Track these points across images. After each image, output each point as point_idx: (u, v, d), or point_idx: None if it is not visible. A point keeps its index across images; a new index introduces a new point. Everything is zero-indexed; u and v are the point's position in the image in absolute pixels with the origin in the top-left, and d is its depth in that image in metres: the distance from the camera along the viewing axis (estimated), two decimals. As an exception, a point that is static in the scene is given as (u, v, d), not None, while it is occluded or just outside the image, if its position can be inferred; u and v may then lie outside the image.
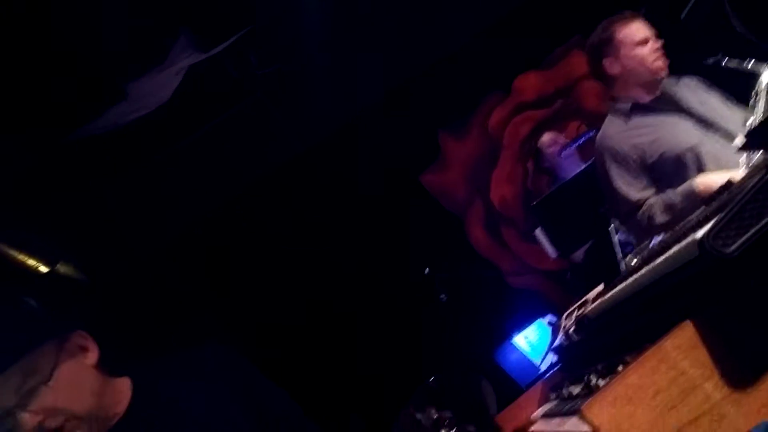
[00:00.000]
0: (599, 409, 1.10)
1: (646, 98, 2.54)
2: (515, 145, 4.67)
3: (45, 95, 3.15)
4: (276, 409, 1.66)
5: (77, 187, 3.70)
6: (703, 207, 1.41)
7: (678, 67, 2.54)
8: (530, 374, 3.90)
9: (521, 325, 4.23)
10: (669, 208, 2.40)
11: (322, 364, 3.87)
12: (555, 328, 3.94)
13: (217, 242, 4.16)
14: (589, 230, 2.79)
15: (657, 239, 2.99)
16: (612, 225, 2.39)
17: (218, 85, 3.88)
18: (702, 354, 1.11)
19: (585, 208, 2.65)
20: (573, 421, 1.58)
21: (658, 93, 2.54)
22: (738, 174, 2.12)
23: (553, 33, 4.66)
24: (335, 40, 3.96)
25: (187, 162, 4.02)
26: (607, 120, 2.63)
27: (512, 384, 3.97)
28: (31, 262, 3.41)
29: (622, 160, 2.51)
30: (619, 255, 2.15)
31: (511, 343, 4.15)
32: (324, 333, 4.05)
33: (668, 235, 1.67)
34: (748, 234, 1.00)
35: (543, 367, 3.87)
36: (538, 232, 2.86)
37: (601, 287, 1.91)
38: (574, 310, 1.97)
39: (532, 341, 4.17)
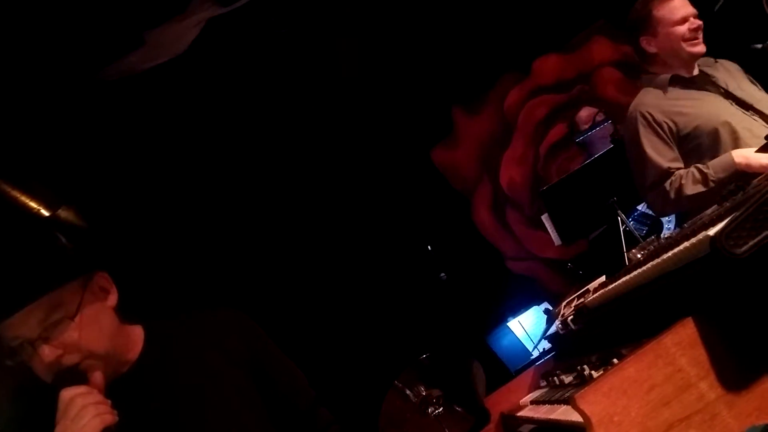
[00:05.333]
0: (593, 398, 1.09)
1: (687, 71, 2.52)
2: (529, 128, 4.62)
3: (65, 36, 3.13)
4: (282, 377, 1.69)
5: (89, 131, 3.67)
6: (716, 206, 1.38)
7: (715, 51, 2.52)
8: (521, 359, 3.90)
9: (516, 310, 4.22)
10: (702, 180, 2.35)
11: (316, 334, 3.88)
12: (551, 316, 3.95)
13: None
14: (596, 220, 2.77)
15: (665, 233, 2.97)
16: (620, 217, 2.37)
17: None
18: (700, 352, 1.11)
19: (594, 198, 2.62)
20: (563, 410, 1.58)
21: (696, 72, 2.52)
22: None
23: (576, 16, 4.57)
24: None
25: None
26: (642, 90, 2.60)
27: (502, 368, 3.99)
28: (33, 204, 3.40)
29: (655, 128, 2.47)
30: (624, 247, 2.13)
31: (505, 327, 4.15)
32: (321, 304, 4.04)
33: (677, 231, 1.65)
34: (760, 237, 0.98)
35: (534, 354, 3.88)
36: (545, 218, 2.84)
37: (603, 278, 1.90)
38: (573, 299, 1.96)
39: (526, 327, 4.17)
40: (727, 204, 1.22)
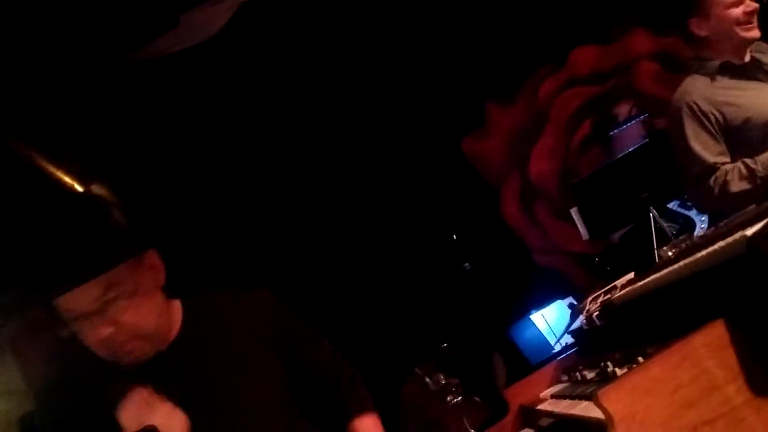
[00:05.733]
0: (616, 396, 1.08)
1: (739, 57, 2.37)
2: (562, 120, 4.54)
3: (103, 14, 3.16)
4: (313, 356, 1.74)
5: (121, 109, 3.71)
6: (754, 206, 1.35)
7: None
8: (543, 353, 3.88)
9: (540, 303, 4.19)
10: (749, 176, 2.25)
11: (339, 318, 3.90)
12: (575, 311, 3.90)
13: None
14: (627, 216, 2.71)
15: (698, 231, 2.88)
16: (651, 213, 2.30)
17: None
18: (729, 355, 1.08)
19: (625, 193, 2.57)
20: (584, 405, 1.56)
21: (747, 59, 2.38)
22: None
23: (614, 8, 4.46)
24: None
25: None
26: (689, 78, 2.46)
27: (522, 360, 3.96)
28: (67, 179, 3.46)
29: (701, 119, 2.35)
30: (656, 244, 2.08)
31: (528, 320, 4.12)
32: (347, 291, 4.05)
33: (711, 230, 1.61)
34: (801, 238, 0.94)
35: (556, 348, 3.85)
36: (574, 212, 2.79)
37: (631, 275, 1.86)
38: (600, 295, 1.93)
39: (549, 321, 4.14)
40: (767, 203, 1.18)
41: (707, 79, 2.39)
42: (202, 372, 1.57)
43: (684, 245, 1.75)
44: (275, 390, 1.62)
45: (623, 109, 3.89)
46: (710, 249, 1.12)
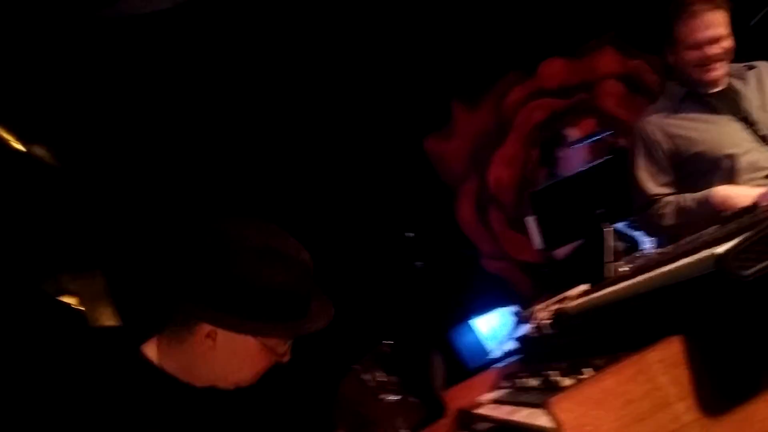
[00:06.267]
0: (567, 405, 1.05)
1: (704, 90, 2.38)
2: (525, 130, 4.57)
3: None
4: None
5: (80, 70, 3.53)
6: (717, 226, 1.35)
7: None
8: (480, 358, 3.88)
9: (483, 309, 4.20)
10: (681, 212, 2.31)
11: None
12: (519, 319, 3.92)
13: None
14: (581, 229, 2.73)
15: (647, 247, 2.94)
16: (605, 228, 2.32)
17: None
18: (683, 373, 1.07)
19: (582, 207, 2.58)
20: (527, 412, 1.54)
21: (721, 86, 2.37)
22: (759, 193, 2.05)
23: (590, 23, 4.52)
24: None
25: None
26: (659, 100, 2.49)
27: (459, 364, 3.96)
28: (7, 136, 3.28)
29: (651, 148, 2.39)
30: (608, 259, 2.09)
31: (469, 325, 4.13)
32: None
33: (672, 247, 1.61)
34: (770, 261, 0.93)
35: (495, 355, 3.86)
36: (530, 221, 2.79)
37: (585, 287, 1.86)
38: (551, 304, 1.92)
39: (490, 327, 4.15)
40: (732, 225, 1.18)
41: (670, 107, 2.42)
42: None
43: (641, 261, 1.75)
44: None
45: (574, 132, 3.93)
46: (676, 264, 1.10)
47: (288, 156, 4.19)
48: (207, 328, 1.29)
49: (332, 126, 4.25)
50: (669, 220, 2.34)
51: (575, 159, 3.81)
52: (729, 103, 2.34)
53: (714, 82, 2.34)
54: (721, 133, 2.31)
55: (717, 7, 2.25)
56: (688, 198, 2.30)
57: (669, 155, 2.38)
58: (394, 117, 4.31)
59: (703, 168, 2.31)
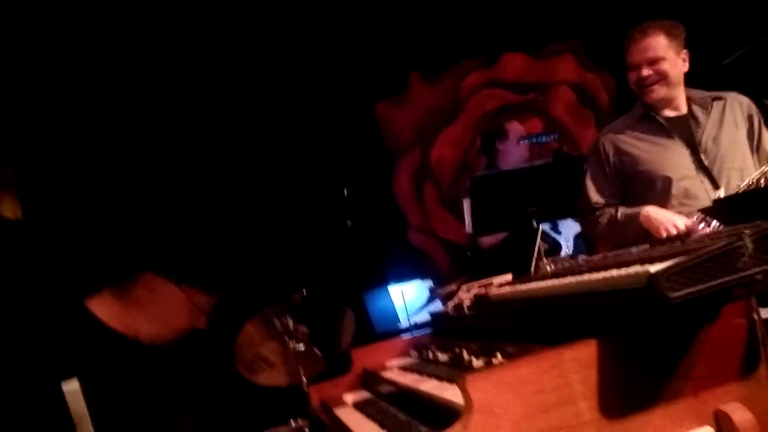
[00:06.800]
0: (481, 385, 1.10)
1: (664, 112, 2.51)
2: (475, 115, 4.64)
3: None
4: None
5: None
6: (647, 246, 1.43)
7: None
8: (389, 325, 3.97)
9: (401, 278, 4.28)
10: (612, 223, 2.48)
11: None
12: (433, 295, 4.02)
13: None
14: (511, 222, 2.80)
15: (563, 253, 3.09)
16: (539, 226, 2.42)
17: None
18: (592, 374, 1.14)
19: (517, 201, 2.65)
20: (433, 384, 1.60)
21: (681, 111, 2.51)
22: (687, 222, 2.21)
23: (557, 26, 4.61)
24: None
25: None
26: (622, 117, 2.63)
27: (368, 327, 4.04)
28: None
29: (602, 160, 2.55)
30: (535, 256, 2.18)
31: (386, 290, 4.20)
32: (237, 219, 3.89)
33: (600, 257, 1.71)
34: (696, 288, 1.00)
35: (403, 325, 3.96)
36: (465, 204, 2.84)
37: (509, 277, 1.93)
38: (473, 286, 1.99)
39: (405, 297, 4.24)
40: (663, 247, 1.26)
41: (628, 123, 2.57)
42: None
43: (565, 263, 1.84)
44: None
45: (515, 127, 4.02)
46: (607, 274, 1.16)
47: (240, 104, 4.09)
48: (150, 278, 1.54)
49: (288, 79, 4.18)
50: (601, 229, 2.50)
51: (515, 154, 3.89)
52: (682, 129, 2.47)
53: (656, 103, 2.48)
54: (664, 157, 2.45)
55: (654, 32, 2.41)
56: (621, 212, 2.47)
57: (615, 169, 2.54)
58: (350, 78, 4.27)
59: (642, 187, 2.47)
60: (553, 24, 4.60)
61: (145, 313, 1.56)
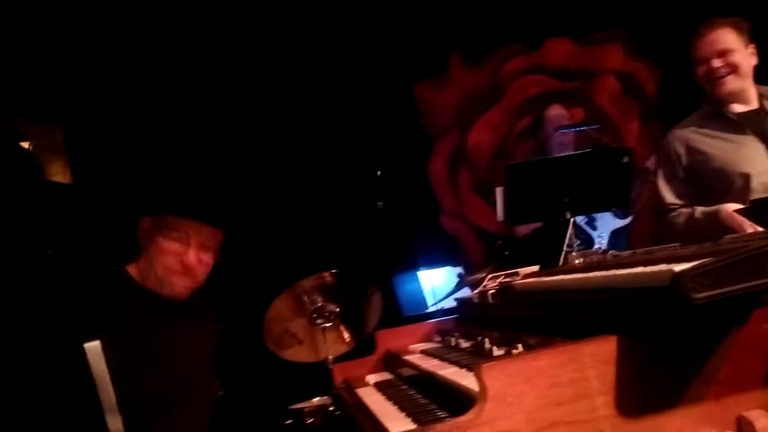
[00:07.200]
0: (497, 374, 1.10)
1: (734, 107, 2.47)
2: (516, 101, 4.57)
3: None
4: None
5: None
6: (678, 244, 1.40)
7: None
8: (417, 309, 3.99)
9: (431, 263, 4.29)
10: (691, 222, 2.43)
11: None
12: (462, 282, 4.01)
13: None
14: (544, 213, 2.78)
15: (596, 247, 3.03)
16: (571, 217, 2.40)
17: None
18: (610, 371, 1.13)
19: (552, 192, 2.62)
20: (453, 370, 1.61)
21: (752, 106, 2.47)
22: None
23: (604, 14, 4.48)
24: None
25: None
26: (695, 112, 2.59)
27: (395, 309, 4.06)
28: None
29: (673, 159, 2.52)
30: (566, 249, 2.16)
31: (415, 274, 4.21)
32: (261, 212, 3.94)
33: (629, 253, 1.68)
34: (722, 290, 0.98)
35: (430, 309, 3.97)
36: (498, 191, 2.82)
37: (536, 268, 1.92)
38: (500, 276, 1.98)
39: (433, 282, 4.25)
40: (692, 247, 1.23)
41: (697, 122, 2.52)
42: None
43: (593, 258, 1.82)
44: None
45: (554, 112, 3.93)
46: (632, 271, 1.15)
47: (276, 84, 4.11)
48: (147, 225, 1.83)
49: (328, 57, 4.18)
50: (680, 229, 2.46)
51: (560, 142, 3.82)
52: (755, 124, 2.43)
53: (727, 97, 2.43)
54: (739, 153, 2.40)
55: (721, 26, 2.39)
56: (699, 211, 2.41)
57: (688, 168, 2.50)
58: (389, 57, 4.25)
59: (718, 184, 2.42)
60: (600, 11, 4.48)
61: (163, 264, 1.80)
